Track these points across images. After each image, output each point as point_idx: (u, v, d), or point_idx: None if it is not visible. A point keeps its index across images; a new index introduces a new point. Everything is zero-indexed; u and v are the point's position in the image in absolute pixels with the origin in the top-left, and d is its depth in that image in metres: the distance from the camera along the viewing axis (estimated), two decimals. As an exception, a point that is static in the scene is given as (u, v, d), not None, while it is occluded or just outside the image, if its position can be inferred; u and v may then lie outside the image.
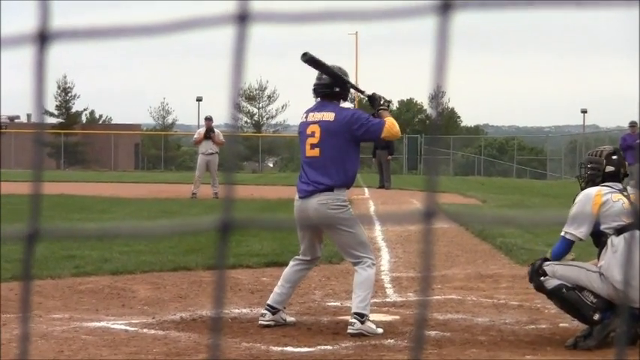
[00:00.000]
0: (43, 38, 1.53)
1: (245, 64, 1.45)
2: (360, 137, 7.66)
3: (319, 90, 7.80)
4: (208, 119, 24.88)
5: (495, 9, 1.37)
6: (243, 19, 1.43)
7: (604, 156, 7.38)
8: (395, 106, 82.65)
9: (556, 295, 7.10)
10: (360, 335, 7.36)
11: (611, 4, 1.34)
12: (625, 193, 7.21)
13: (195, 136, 25.24)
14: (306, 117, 7.77)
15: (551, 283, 7.09)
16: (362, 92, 8.02)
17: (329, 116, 7.63)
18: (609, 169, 7.33)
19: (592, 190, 7.22)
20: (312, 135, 7.65)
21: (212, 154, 24.32)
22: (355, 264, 7.65)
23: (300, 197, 7.67)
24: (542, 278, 7.12)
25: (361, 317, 7.43)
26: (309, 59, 7.61)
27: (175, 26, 1.47)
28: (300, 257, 7.89)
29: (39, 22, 1.53)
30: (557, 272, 7.10)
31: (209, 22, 1.45)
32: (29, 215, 1.57)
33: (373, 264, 7.70)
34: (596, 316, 6.98)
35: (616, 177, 7.34)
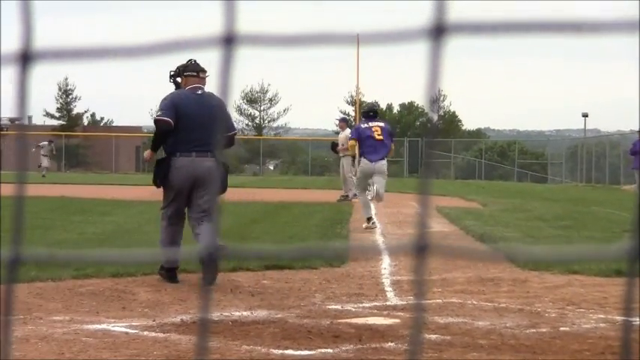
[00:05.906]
0: (26, 58, 1.53)
1: (232, 85, 1.45)
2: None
3: (372, 111, 16.49)
4: (344, 120, 24.51)
5: (490, 33, 1.36)
6: (229, 41, 1.42)
7: None
8: (396, 109, 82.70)
9: None
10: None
11: (611, 28, 1.33)
12: None
13: (342, 144, 23.72)
14: (368, 124, 15.89)
15: None
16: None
17: (382, 123, 16.14)
18: None
19: None
20: (377, 132, 15.70)
21: (344, 156, 24.01)
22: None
23: (373, 161, 15.72)
24: None
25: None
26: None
27: (161, 48, 1.47)
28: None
29: (22, 41, 1.53)
30: None
31: (195, 44, 1.45)
32: (11, 239, 1.56)
33: None
34: None
35: None
